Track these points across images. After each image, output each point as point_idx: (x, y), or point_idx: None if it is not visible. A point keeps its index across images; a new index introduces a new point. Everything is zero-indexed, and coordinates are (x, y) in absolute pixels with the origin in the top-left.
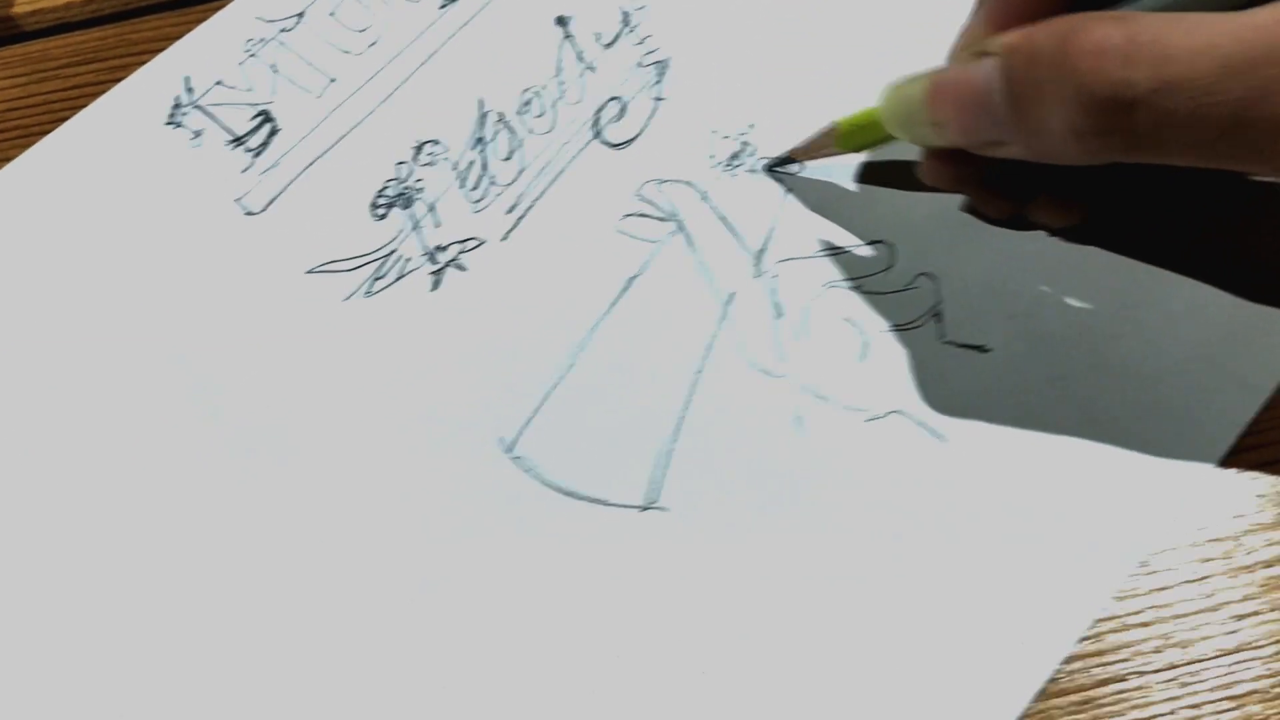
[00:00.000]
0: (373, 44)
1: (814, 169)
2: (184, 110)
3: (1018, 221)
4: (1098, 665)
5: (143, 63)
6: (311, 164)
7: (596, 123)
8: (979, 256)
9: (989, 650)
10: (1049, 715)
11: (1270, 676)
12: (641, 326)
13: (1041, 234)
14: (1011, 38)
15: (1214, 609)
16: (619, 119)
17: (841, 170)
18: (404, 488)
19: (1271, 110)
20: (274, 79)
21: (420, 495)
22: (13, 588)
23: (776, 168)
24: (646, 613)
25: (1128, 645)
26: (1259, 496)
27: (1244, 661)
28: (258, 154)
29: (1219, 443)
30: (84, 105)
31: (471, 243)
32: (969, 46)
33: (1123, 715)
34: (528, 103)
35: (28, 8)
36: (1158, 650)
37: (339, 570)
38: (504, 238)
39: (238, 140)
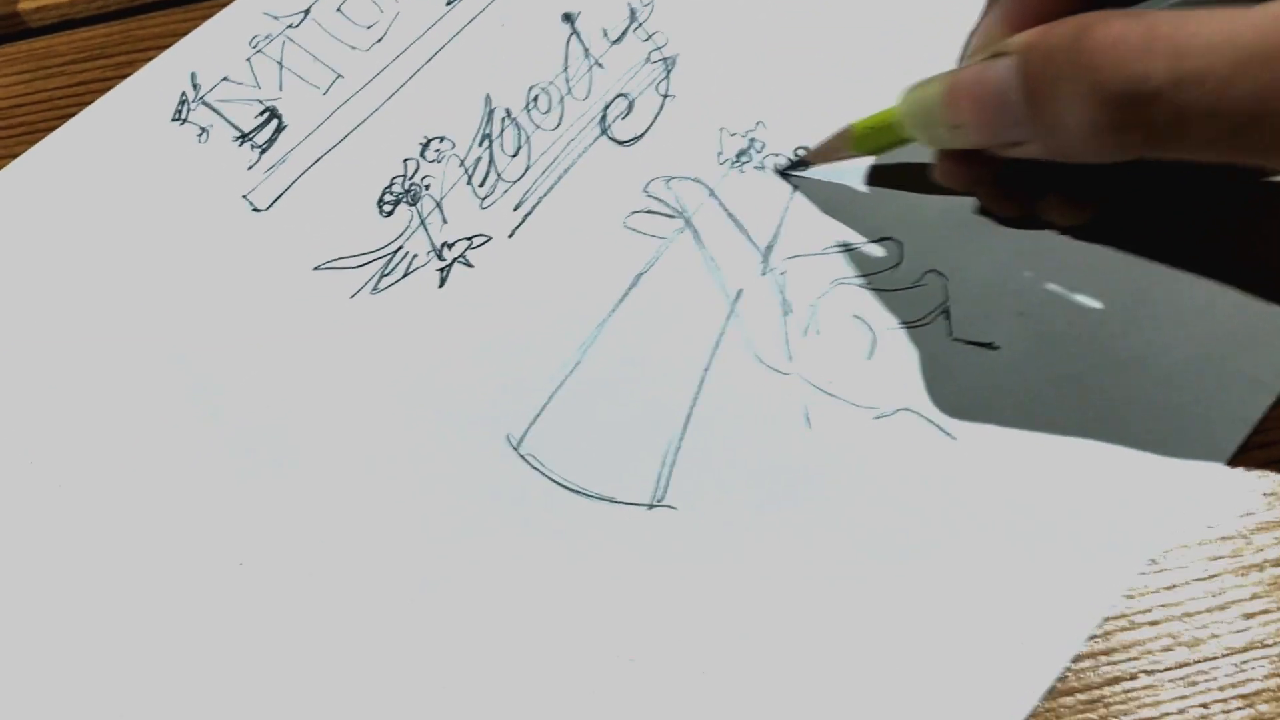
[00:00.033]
0: (379, 40)
1: (823, 170)
2: (190, 106)
3: (1028, 220)
4: (1106, 664)
5: (149, 59)
6: (318, 160)
7: (604, 119)
8: (988, 253)
9: (998, 648)
10: (1057, 714)
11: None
12: (649, 323)
13: (1050, 232)
14: (1027, 36)
15: (1223, 607)
16: (626, 115)
17: (850, 171)
18: (411, 484)
19: None
20: (280, 75)
21: (427, 492)
22: (15, 588)
23: (789, 172)
24: (655, 611)
25: (1137, 644)
26: (1268, 495)
27: (1253, 660)
28: (264, 150)
29: (1228, 441)
30: (89, 102)
31: (479, 239)
32: (985, 46)
33: (1132, 714)
34: (535, 99)
35: (33, 4)
36: (1167, 649)
37: (346, 567)
38: (511, 234)
39: (244, 136)
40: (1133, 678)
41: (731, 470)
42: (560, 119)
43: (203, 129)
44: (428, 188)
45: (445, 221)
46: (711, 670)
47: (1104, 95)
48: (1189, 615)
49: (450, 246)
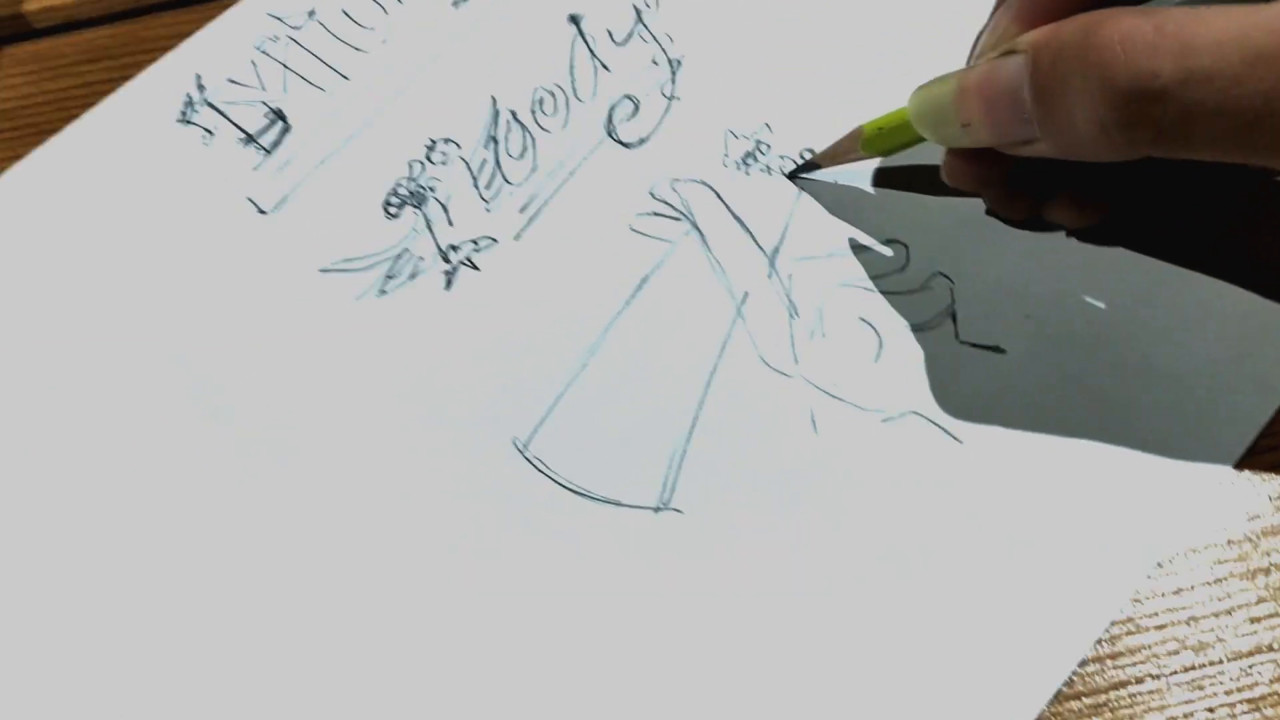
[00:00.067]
0: (385, 41)
1: (830, 172)
2: (195, 108)
3: (1035, 222)
4: (1113, 668)
5: (154, 60)
6: (324, 162)
7: (610, 121)
8: (994, 256)
9: (1004, 652)
10: (1063, 718)
11: None
12: (655, 326)
13: (1058, 234)
14: (1037, 34)
15: (1229, 611)
16: (632, 117)
17: (858, 173)
18: (417, 488)
19: None
20: (286, 77)
21: (433, 495)
22: (19, 589)
23: (798, 174)
24: (661, 614)
25: (1143, 648)
26: (1275, 498)
27: (1260, 664)
28: (270, 152)
29: (1235, 444)
30: (95, 103)
31: (484, 242)
32: (995, 45)
33: (1138, 718)
34: (540, 101)
35: (39, 5)
36: (1173, 653)
37: (352, 570)
38: (517, 237)
39: (250, 138)
40: (1139, 682)
41: (738, 474)
42: (566, 121)
43: (208, 130)
44: (433, 190)
45: (451, 224)
46: (720, 673)
47: (1113, 93)
48: (1195, 619)
49: (456, 249)
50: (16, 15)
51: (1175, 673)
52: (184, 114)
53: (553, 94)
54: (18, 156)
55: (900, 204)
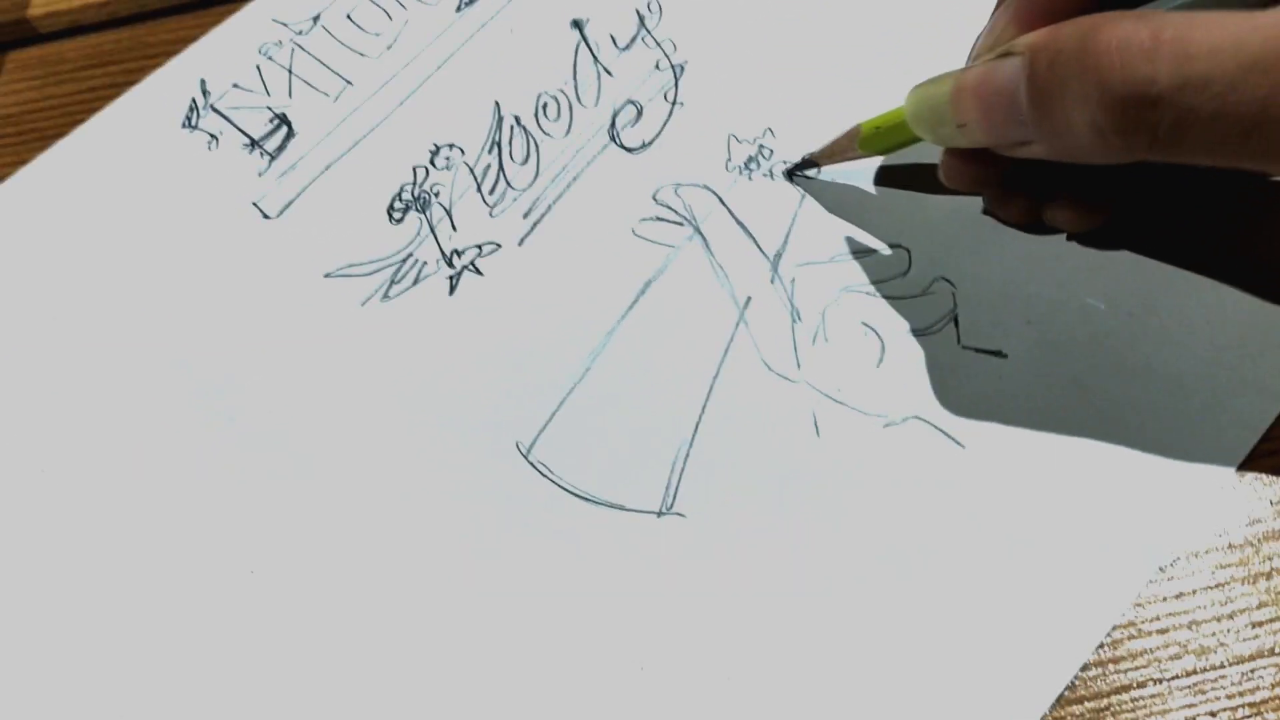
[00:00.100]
0: (389, 47)
1: (831, 172)
2: (200, 113)
3: (1036, 226)
4: (1115, 672)
5: (158, 65)
6: (328, 167)
7: (613, 126)
8: (996, 261)
9: (1007, 657)
10: None
11: None
12: (658, 331)
13: (1058, 238)
14: (1035, 37)
15: (1231, 616)
16: (635, 123)
17: (859, 174)
18: (421, 491)
19: None
20: (290, 82)
21: (437, 499)
22: (28, 594)
23: (796, 172)
24: (664, 619)
25: (1145, 652)
26: (1276, 503)
27: (1261, 668)
28: (274, 157)
29: (1237, 448)
30: (100, 108)
31: (488, 247)
32: (993, 46)
33: None
34: (544, 106)
35: (43, 10)
36: (1175, 657)
37: (357, 574)
38: (520, 242)
39: (254, 143)
40: (1141, 686)
41: (740, 478)
42: (569, 126)
43: (212, 135)
44: (437, 195)
45: (455, 229)
46: (722, 678)
47: (1109, 97)
48: (1197, 623)
49: (460, 254)
50: (21, 20)
51: (1177, 677)
52: (189, 119)
53: (556, 99)
54: (22, 161)
55: (903, 209)
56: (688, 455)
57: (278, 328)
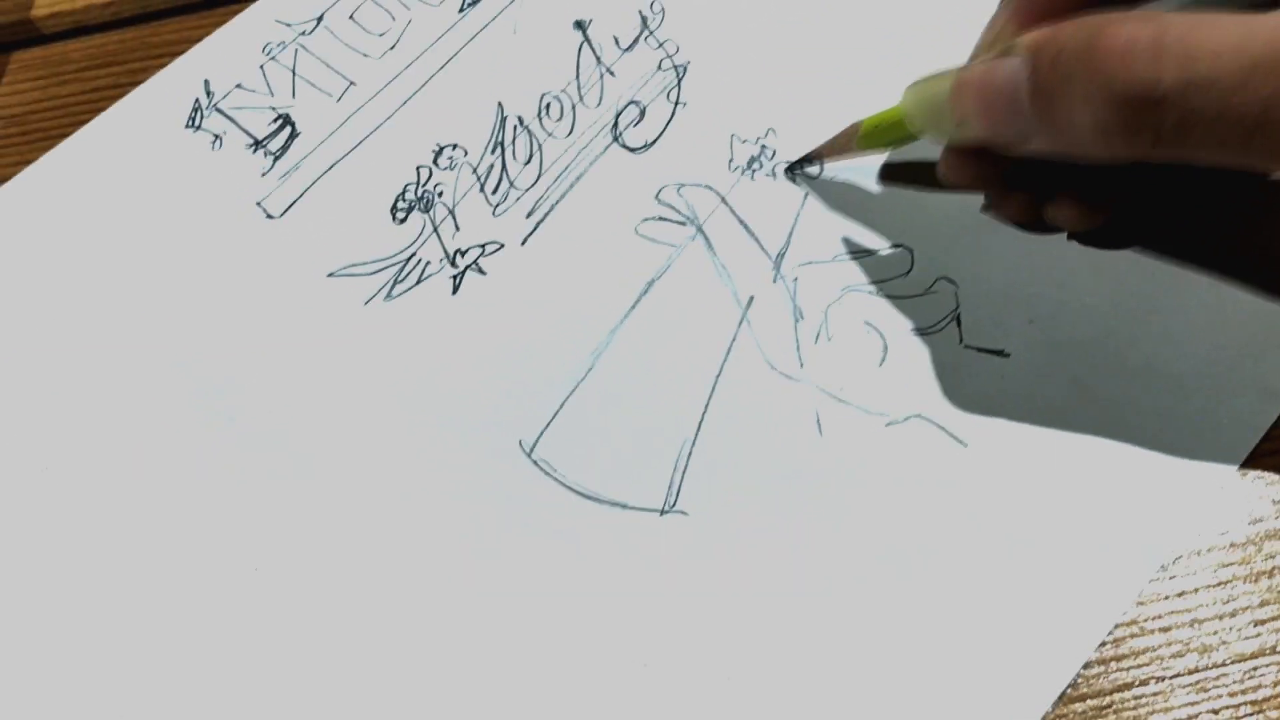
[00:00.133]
0: (392, 47)
1: (833, 171)
2: (204, 113)
3: (1037, 225)
4: (1117, 670)
5: (162, 65)
6: (331, 167)
7: (616, 126)
8: (999, 260)
9: (1009, 655)
10: None
11: None
12: (661, 330)
13: (1060, 237)
14: (1037, 35)
15: (1233, 614)
16: (638, 123)
17: (861, 174)
18: (424, 490)
19: None
20: (294, 82)
21: (440, 498)
22: (30, 594)
23: (797, 168)
24: (667, 617)
25: (1147, 650)
26: (1277, 502)
27: (1263, 666)
28: (278, 157)
29: (1239, 447)
30: (103, 108)
31: (491, 246)
32: (992, 44)
33: None
34: (547, 106)
35: (47, 10)
36: (1177, 655)
37: (360, 573)
38: (523, 241)
39: (258, 144)
40: (1143, 684)
41: (743, 477)
42: (572, 126)
43: (216, 136)
44: (440, 195)
45: (458, 229)
46: (725, 676)
47: (1113, 97)
48: (1199, 622)
49: (463, 253)
50: (25, 20)
51: (1179, 675)
52: (192, 120)
53: (559, 100)
54: (26, 162)
55: (905, 208)
56: (690, 454)
57: (281, 327)
